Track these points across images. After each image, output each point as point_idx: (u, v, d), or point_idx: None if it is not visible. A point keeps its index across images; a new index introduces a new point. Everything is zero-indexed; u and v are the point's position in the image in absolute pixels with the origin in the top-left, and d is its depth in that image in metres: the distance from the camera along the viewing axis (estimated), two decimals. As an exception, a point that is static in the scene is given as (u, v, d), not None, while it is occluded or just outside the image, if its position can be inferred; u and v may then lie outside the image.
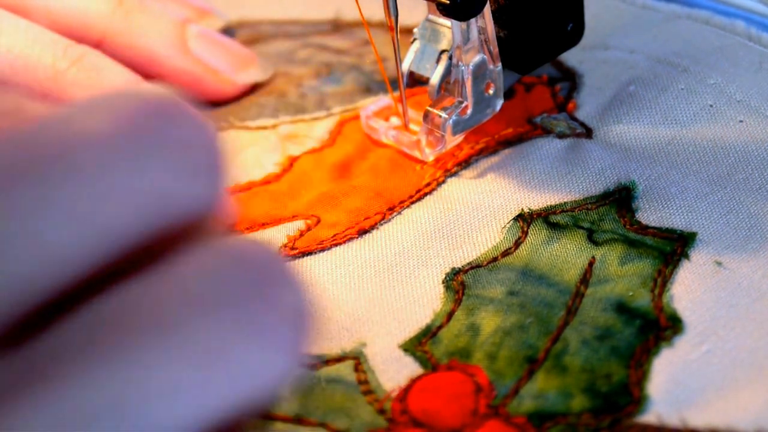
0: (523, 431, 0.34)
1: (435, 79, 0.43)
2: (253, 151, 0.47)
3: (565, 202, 0.42)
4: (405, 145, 0.45)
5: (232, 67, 0.49)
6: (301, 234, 0.42)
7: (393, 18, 0.43)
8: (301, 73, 0.51)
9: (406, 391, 0.36)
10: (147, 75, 0.50)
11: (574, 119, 0.46)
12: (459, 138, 0.44)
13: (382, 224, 0.42)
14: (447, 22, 0.42)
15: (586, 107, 0.46)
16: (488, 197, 0.42)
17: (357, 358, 0.37)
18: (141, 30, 0.49)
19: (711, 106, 0.44)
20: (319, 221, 0.43)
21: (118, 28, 0.49)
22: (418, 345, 0.37)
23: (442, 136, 0.43)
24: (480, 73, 0.42)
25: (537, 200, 0.42)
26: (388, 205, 0.43)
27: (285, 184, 0.45)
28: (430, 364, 0.37)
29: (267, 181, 0.46)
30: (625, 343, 0.36)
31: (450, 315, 0.38)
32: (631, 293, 0.37)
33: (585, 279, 0.38)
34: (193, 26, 0.50)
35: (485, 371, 0.36)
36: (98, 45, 0.49)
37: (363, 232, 0.42)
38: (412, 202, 0.43)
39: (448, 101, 0.43)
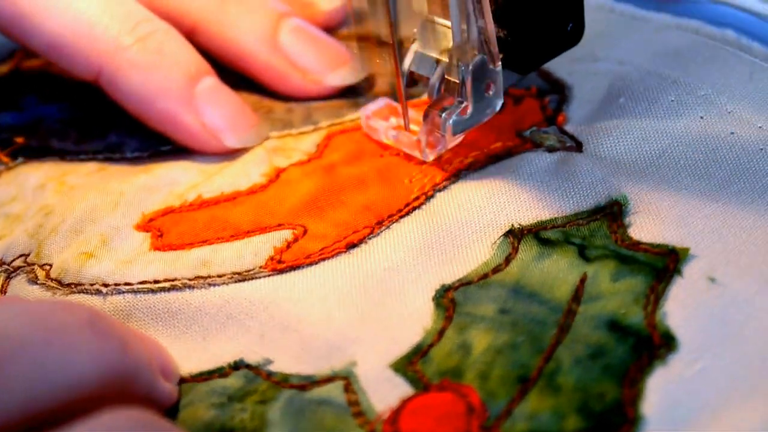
0: (516, 453, 0.34)
1: (435, 79, 0.43)
2: (239, 163, 0.47)
3: (555, 218, 0.41)
4: (405, 145, 0.45)
5: (322, 66, 0.48)
6: (288, 245, 0.42)
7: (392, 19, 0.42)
8: None
9: (397, 412, 0.35)
10: (236, 67, 0.49)
11: (564, 132, 0.45)
12: (459, 138, 0.44)
13: (370, 238, 0.42)
14: (447, 22, 0.42)
15: (575, 120, 0.46)
16: (478, 212, 0.42)
17: (347, 378, 0.37)
18: (233, 21, 0.48)
19: (702, 118, 0.44)
20: (306, 231, 0.43)
21: (211, 18, 0.49)
22: (409, 365, 0.37)
23: (443, 136, 0.43)
24: (480, 73, 0.42)
25: (527, 215, 0.41)
26: (377, 219, 0.43)
27: (271, 193, 0.45)
28: (421, 384, 0.36)
29: (253, 191, 0.45)
30: (618, 361, 0.35)
31: (441, 333, 0.38)
32: (623, 311, 0.37)
33: (577, 296, 0.38)
34: (291, 20, 0.49)
35: (477, 391, 0.35)
36: (191, 32, 0.49)
37: (351, 246, 0.41)
38: (401, 216, 0.43)
39: (448, 101, 0.43)
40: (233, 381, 0.38)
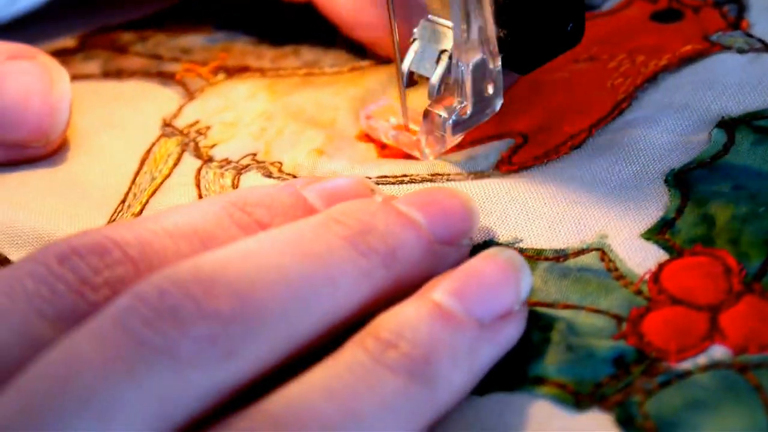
0: (781, 305, 0.37)
1: (435, 79, 0.43)
2: None
3: (762, 110, 0.44)
4: (405, 145, 0.46)
5: None
6: (514, 150, 0.45)
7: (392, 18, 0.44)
8: None
9: (657, 274, 0.39)
10: None
11: (751, 36, 0.49)
12: (459, 138, 0.45)
13: (588, 140, 0.45)
14: (447, 22, 0.43)
15: (759, 25, 0.49)
16: (687, 107, 0.45)
17: (600, 249, 0.40)
18: None
19: None
20: (526, 139, 0.46)
21: None
22: (659, 234, 0.40)
23: (442, 136, 0.44)
24: (480, 73, 0.43)
25: (735, 108, 0.45)
26: (590, 122, 0.46)
27: None
28: (674, 251, 0.39)
29: None
30: None
31: (681, 210, 0.41)
32: None
33: None
34: None
35: (730, 254, 0.39)
36: None
37: (574, 148, 0.45)
38: (613, 118, 0.46)
39: (448, 101, 0.44)
40: (487, 257, 0.41)
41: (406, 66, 0.45)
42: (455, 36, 0.42)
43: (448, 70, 0.43)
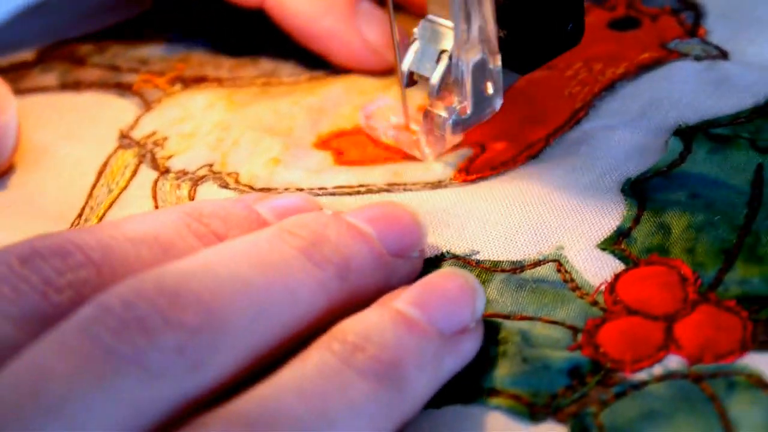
0: (735, 314, 0.37)
1: (435, 78, 0.43)
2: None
3: (719, 117, 0.45)
4: (404, 144, 0.46)
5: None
6: (471, 160, 0.45)
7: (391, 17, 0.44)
8: None
9: (613, 284, 0.39)
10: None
11: (707, 43, 0.49)
12: (459, 138, 0.46)
13: (546, 149, 0.45)
14: (447, 22, 0.44)
15: (716, 33, 0.49)
16: (644, 116, 0.45)
17: (557, 261, 0.40)
18: None
19: None
20: (484, 148, 0.46)
21: None
22: (615, 244, 0.40)
23: (442, 135, 0.44)
24: (480, 72, 0.43)
25: (692, 117, 0.45)
26: (547, 131, 0.46)
27: None
28: (630, 261, 0.39)
29: None
30: None
31: (637, 219, 0.41)
32: (803, 193, 0.41)
33: (757, 182, 0.41)
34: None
35: (686, 264, 0.39)
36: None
37: (531, 157, 0.45)
38: (570, 128, 0.46)
39: (448, 101, 0.44)
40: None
41: (406, 66, 0.45)
42: (456, 35, 0.42)
43: (448, 69, 0.43)
